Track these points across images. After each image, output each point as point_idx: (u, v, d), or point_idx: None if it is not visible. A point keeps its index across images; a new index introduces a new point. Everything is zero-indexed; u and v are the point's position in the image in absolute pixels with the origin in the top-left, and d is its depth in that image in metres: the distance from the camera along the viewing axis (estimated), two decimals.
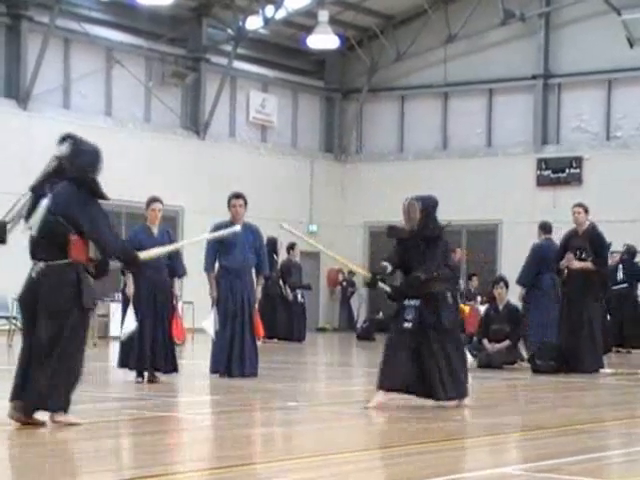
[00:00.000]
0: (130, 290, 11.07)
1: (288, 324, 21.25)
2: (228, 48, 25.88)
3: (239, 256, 11.78)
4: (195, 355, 17.28)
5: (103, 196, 7.24)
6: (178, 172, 24.58)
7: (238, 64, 26.45)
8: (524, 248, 26.44)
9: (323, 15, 25.47)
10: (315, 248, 10.85)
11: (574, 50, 26.45)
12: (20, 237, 7.45)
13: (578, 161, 26.30)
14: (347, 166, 28.50)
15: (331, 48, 26.57)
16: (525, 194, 26.48)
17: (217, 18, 25.91)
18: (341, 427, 8.06)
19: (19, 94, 22.33)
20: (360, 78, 28.74)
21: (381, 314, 27.35)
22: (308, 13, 26.08)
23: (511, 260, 26.17)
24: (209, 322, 11.94)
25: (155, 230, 11.38)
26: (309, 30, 26.05)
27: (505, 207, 26.56)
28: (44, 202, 7.17)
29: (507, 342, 14.14)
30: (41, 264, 7.15)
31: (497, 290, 14.44)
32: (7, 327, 17.92)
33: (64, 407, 7.23)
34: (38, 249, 7.20)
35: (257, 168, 26.59)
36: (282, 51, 27.77)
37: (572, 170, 26.33)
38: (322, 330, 27.84)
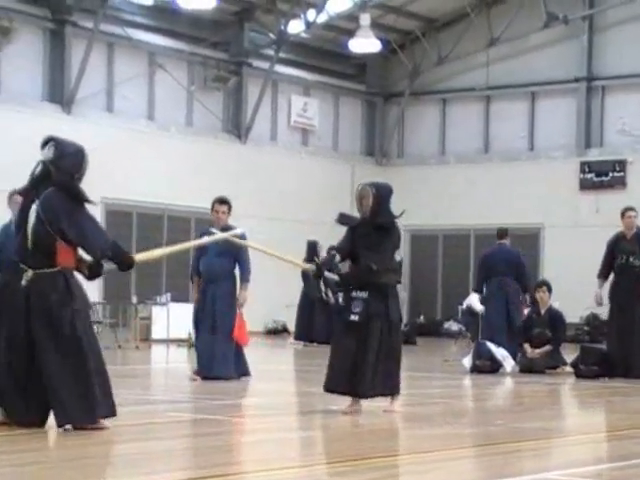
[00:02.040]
0: None
1: (327, 327, 21.21)
2: (270, 52, 25.95)
3: (208, 261, 11.57)
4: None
5: (87, 200, 7.25)
6: (219, 176, 24.65)
7: (280, 68, 26.51)
8: (567, 252, 26.36)
9: (365, 19, 25.45)
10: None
11: (618, 53, 26.21)
12: None
13: (622, 164, 26.06)
14: (388, 170, 28.44)
15: (373, 52, 26.54)
16: (568, 198, 26.28)
17: (259, 22, 25.98)
18: (379, 431, 8.03)
19: (63, 98, 22.53)
20: (402, 82, 28.69)
21: (422, 318, 27.30)
22: (350, 17, 26.07)
23: (554, 264, 26.05)
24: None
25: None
26: (351, 34, 26.04)
27: (548, 211, 26.37)
28: (33, 208, 7.23)
29: (548, 347, 14.03)
30: (30, 272, 7.20)
31: (539, 294, 14.33)
32: None
33: (95, 415, 7.16)
34: (28, 257, 7.24)
35: (298, 172, 26.62)
36: (324, 55, 27.79)
37: (616, 173, 26.09)
38: None
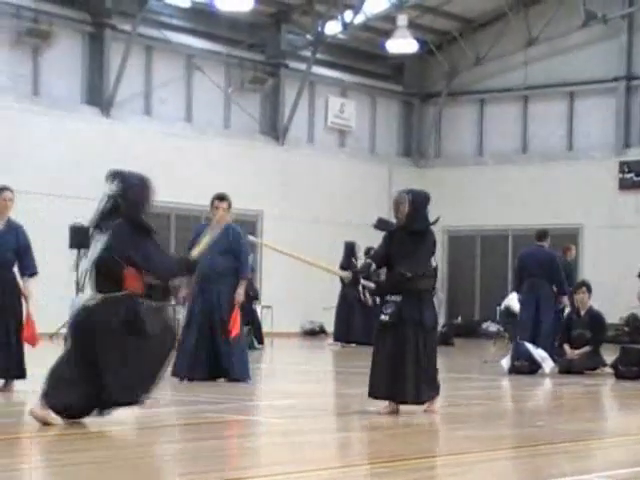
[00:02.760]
0: None
1: (366, 329, 21.21)
2: (307, 53, 25.98)
3: (206, 260, 10.67)
4: (274, 359, 17.36)
5: (151, 229, 7.68)
6: (257, 177, 24.74)
7: (317, 69, 26.53)
8: (606, 253, 26.14)
9: (402, 19, 25.40)
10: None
11: None
12: None
13: None
14: (425, 171, 28.39)
15: (410, 52, 26.49)
16: (607, 198, 26.09)
17: (296, 24, 26.02)
18: (418, 432, 8.03)
19: (102, 101, 22.69)
20: (439, 82, 28.62)
21: (460, 319, 27.22)
22: (387, 17, 26.05)
23: (593, 265, 25.86)
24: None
25: (1, 223, 10.26)
26: (388, 34, 26.00)
27: (587, 211, 26.19)
28: (101, 239, 7.54)
29: (587, 348, 13.94)
30: (99, 296, 7.53)
31: (579, 295, 14.24)
32: None
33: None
34: (95, 282, 7.60)
35: (335, 173, 26.63)
36: (361, 56, 27.78)
37: None
38: None
